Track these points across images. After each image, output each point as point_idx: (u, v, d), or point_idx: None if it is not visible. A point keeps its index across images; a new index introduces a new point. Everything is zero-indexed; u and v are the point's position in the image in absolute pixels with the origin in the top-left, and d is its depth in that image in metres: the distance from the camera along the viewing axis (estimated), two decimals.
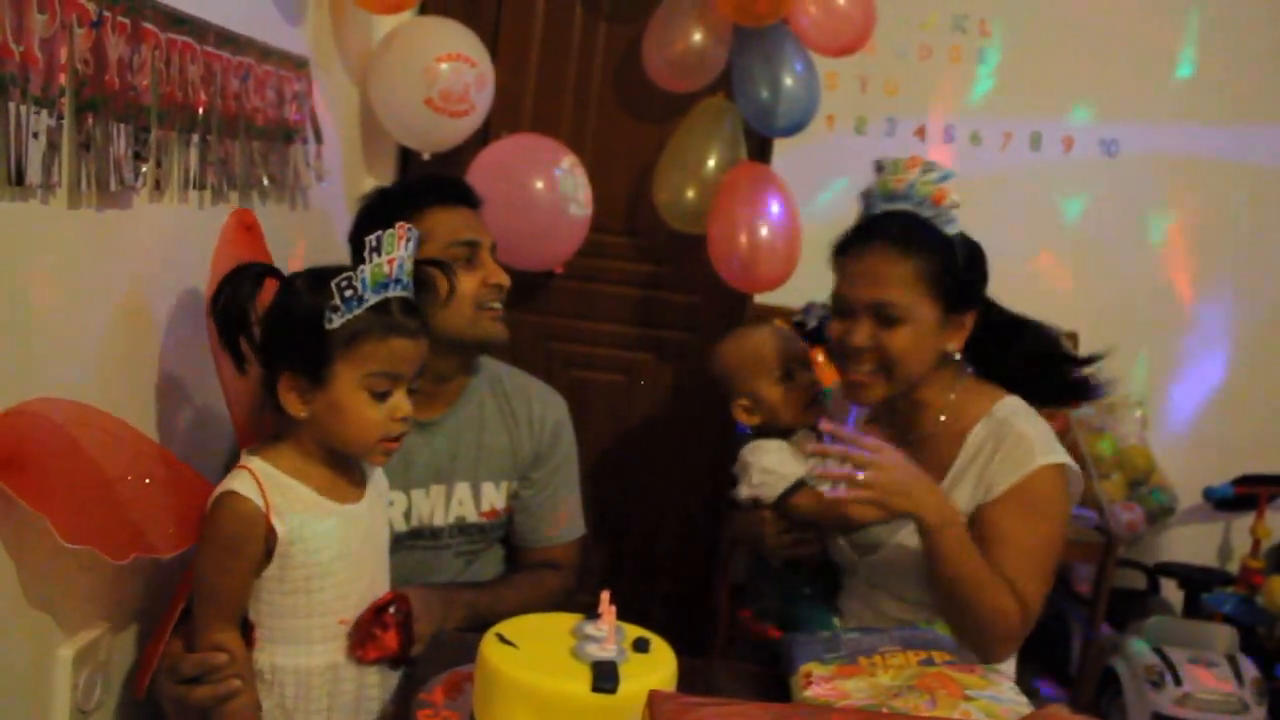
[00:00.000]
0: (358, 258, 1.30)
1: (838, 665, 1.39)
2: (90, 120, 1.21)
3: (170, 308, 1.52)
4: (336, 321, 1.28)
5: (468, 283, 1.71)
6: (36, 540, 1.22)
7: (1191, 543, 3.57)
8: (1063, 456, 1.62)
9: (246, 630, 1.34)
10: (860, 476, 1.50)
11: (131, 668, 1.50)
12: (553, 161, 2.38)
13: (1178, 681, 2.88)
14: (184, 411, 1.59)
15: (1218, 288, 3.65)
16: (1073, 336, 3.60)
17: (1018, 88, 3.56)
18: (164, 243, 1.47)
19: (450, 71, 2.28)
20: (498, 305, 1.77)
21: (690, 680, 1.29)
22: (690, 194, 2.46)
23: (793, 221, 2.49)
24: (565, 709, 1.18)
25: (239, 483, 1.31)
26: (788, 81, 2.40)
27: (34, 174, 1.11)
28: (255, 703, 1.33)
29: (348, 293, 1.27)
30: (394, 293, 1.31)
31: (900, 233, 1.66)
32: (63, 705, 1.30)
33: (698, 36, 2.35)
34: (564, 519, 1.92)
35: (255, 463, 1.33)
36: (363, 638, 1.37)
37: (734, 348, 1.92)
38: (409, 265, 1.33)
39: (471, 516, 1.85)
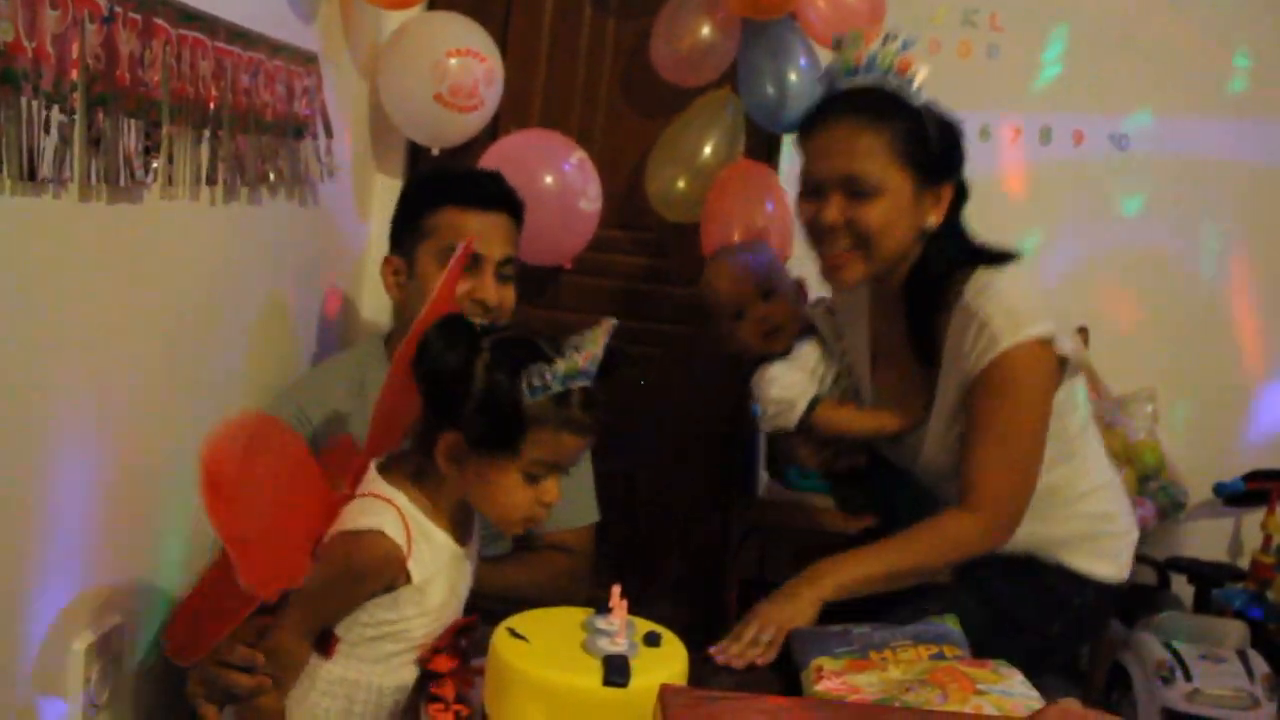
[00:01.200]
0: (399, 238, 1.44)
1: (849, 660, 1.38)
2: (101, 116, 1.21)
3: (181, 303, 1.52)
4: (527, 399, 1.25)
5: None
6: (49, 533, 1.23)
7: (1202, 538, 3.56)
8: (1037, 329, 1.54)
9: (327, 639, 1.32)
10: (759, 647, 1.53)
11: (145, 659, 1.50)
12: (561, 157, 2.38)
13: (1188, 677, 2.87)
14: (194, 400, 1.59)
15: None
16: (1083, 331, 3.59)
17: (1028, 83, 3.55)
18: (175, 238, 1.48)
19: (459, 67, 2.28)
20: (479, 322, 1.73)
21: (701, 674, 1.30)
22: (681, 184, 2.45)
23: (786, 219, 2.48)
24: (576, 703, 1.19)
25: (387, 521, 1.28)
26: (793, 77, 2.39)
27: (46, 169, 1.11)
28: (280, 709, 1.31)
29: (536, 382, 1.25)
30: (578, 383, 1.28)
31: (867, 104, 1.60)
32: (75, 699, 1.31)
33: (706, 31, 2.34)
34: (574, 504, 1.90)
35: (401, 500, 1.31)
36: (447, 657, 1.35)
37: (700, 285, 1.97)
38: (600, 356, 1.29)
39: None
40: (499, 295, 1.78)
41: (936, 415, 1.65)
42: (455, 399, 1.27)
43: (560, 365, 1.25)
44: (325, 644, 1.31)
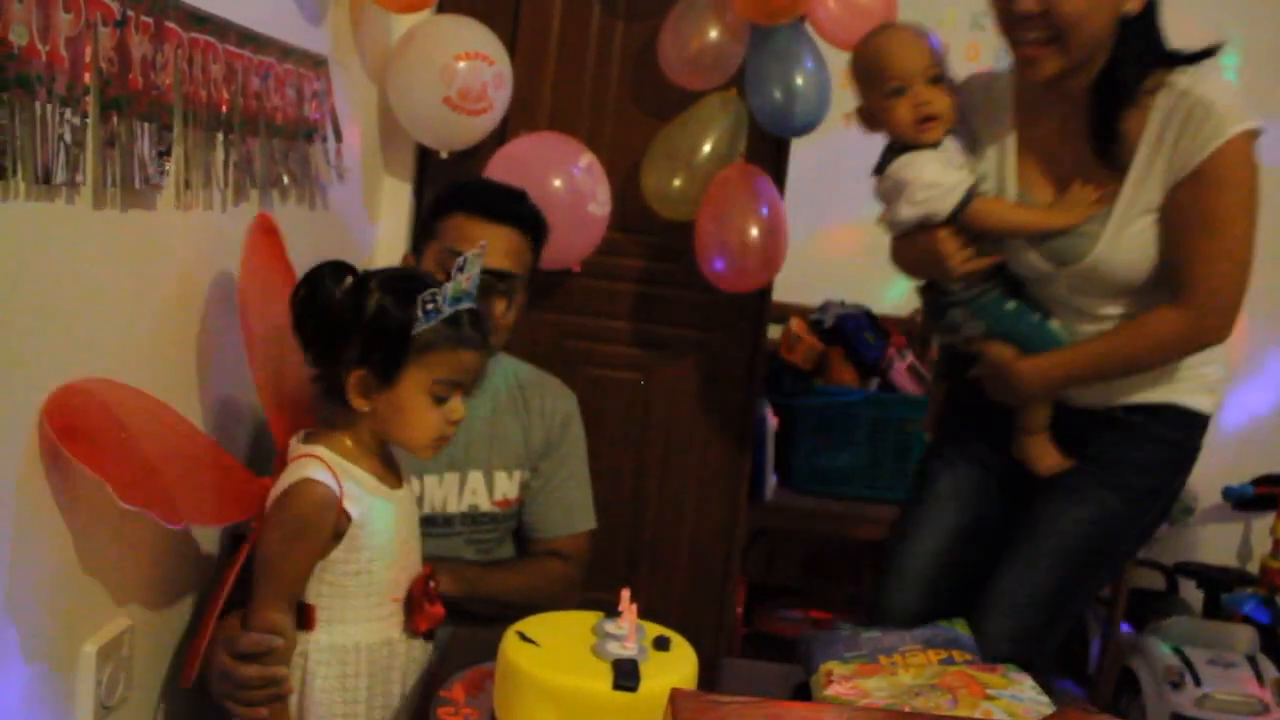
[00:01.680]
0: (415, 237, 1.55)
1: (858, 664, 1.39)
2: (115, 119, 1.22)
3: (194, 305, 1.53)
4: (417, 329, 1.36)
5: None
6: (60, 537, 1.23)
7: (1211, 543, 3.56)
8: (1252, 121, 1.52)
9: (304, 613, 1.39)
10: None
11: (173, 662, 1.53)
12: (570, 160, 2.38)
13: (1197, 682, 2.87)
14: (208, 404, 1.59)
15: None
16: None
17: None
18: (188, 241, 1.48)
19: (468, 70, 2.28)
20: None
21: (710, 678, 1.30)
22: (677, 182, 2.44)
23: (779, 225, 2.48)
24: (586, 707, 1.19)
25: (314, 469, 1.37)
26: (800, 81, 2.39)
27: (60, 173, 1.12)
28: (288, 690, 1.38)
29: (429, 306, 1.36)
30: (465, 305, 1.40)
31: None
32: (87, 700, 1.31)
33: (714, 34, 2.34)
34: (572, 509, 1.94)
35: (321, 450, 1.40)
36: (415, 611, 1.45)
37: (859, 51, 1.82)
38: (477, 279, 1.42)
39: (484, 505, 1.87)
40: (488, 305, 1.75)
41: (1120, 212, 1.61)
42: (353, 335, 1.38)
43: (449, 288, 1.36)
44: (304, 617, 1.39)
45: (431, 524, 1.82)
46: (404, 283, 1.39)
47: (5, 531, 1.14)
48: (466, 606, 1.68)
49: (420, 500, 1.81)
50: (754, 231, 2.42)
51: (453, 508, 1.85)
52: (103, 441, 1.21)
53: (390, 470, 1.48)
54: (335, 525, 1.38)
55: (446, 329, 1.38)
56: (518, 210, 1.84)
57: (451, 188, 1.93)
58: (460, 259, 1.38)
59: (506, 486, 1.89)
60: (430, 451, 1.45)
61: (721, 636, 2.77)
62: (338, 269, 1.41)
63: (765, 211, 2.44)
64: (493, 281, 1.74)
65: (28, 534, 1.18)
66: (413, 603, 1.45)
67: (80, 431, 1.18)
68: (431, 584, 1.47)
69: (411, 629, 1.46)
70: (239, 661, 1.35)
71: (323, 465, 1.38)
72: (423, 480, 1.82)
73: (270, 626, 1.35)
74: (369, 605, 1.42)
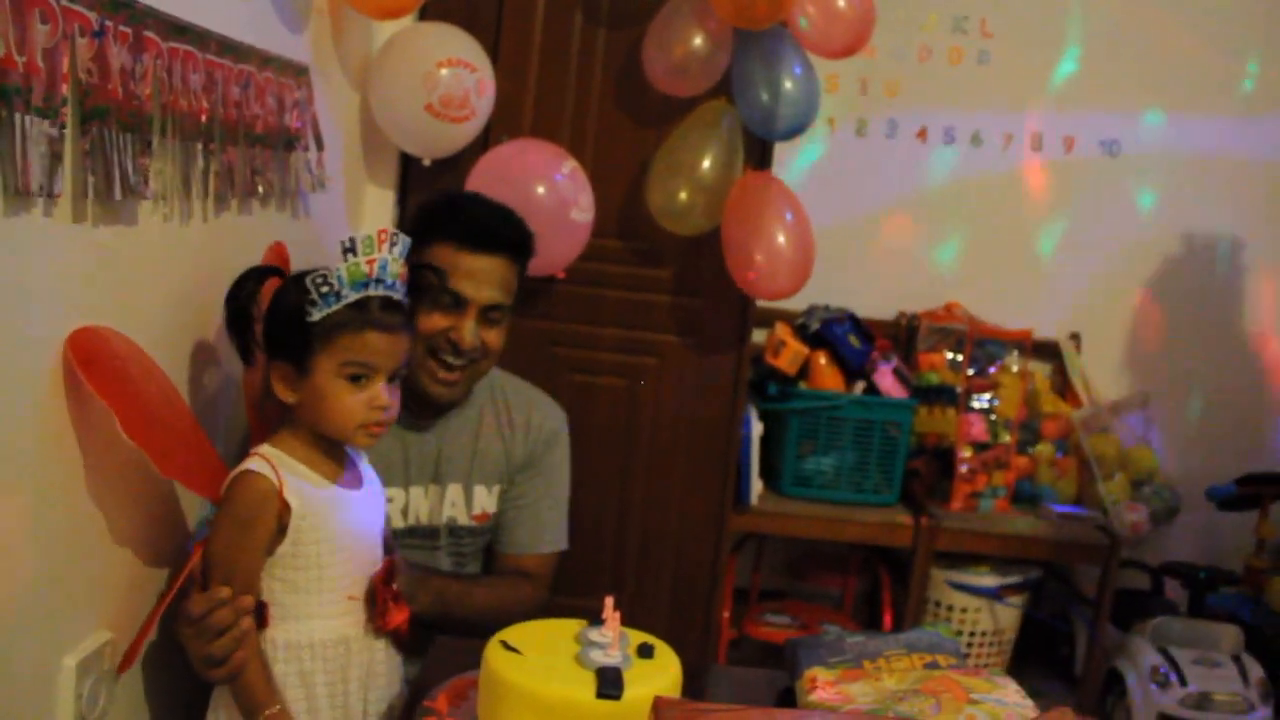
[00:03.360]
0: (421, 231, 1.51)
1: (842, 669, 1.39)
2: (95, 130, 1.21)
3: (175, 315, 1.52)
4: (316, 315, 1.38)
5: (430, 323, 1.73)
6: (39, 549, 1.23)
7: (1195, 542, 3.57)
8: None
9: (260, 611, 1.39)
10: None
11: (152, 674, 1.52)
12: (554, 167, 2.38)
13: (1183, 682, 2.88)
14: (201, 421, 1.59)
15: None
16: (1075, 337, 3.61)
17: (1016, 88, 3.57)
18: (167, 250, 1.47)
19: (450, 77, 2.28)
20: (450, 360, 1.76)
21: (696, 685, 1.30)
22: (683, 196, 2.45)
23: (806, 232, 2.50)
24: (570, 716, 1.19)
25: (253, 462, 1.40)
26: (787, 85, 2.39)
27: (36, 184, 1.11)
28: (263, 666, 1.38)
29: (324, 289, 1.37)
30: (375, 291, 1.40)
31: None
32: (67, 713, 1.30)
33: (698, 40, 2.35)
34: (543, 529, 1.92)
35: (264, 448, 1.43)
36: (381, 608, 1.45)
37: None
38: (395, 267, 1.41)
39: (463, 519, 1.87)
40: (477, 338, 1.76)
41: None
42: (268, 328, 1.44)
43: (343, 270, 1.37)
44: (260, 615, 1.39)
45: (415, 535, 1.84)
46: (306, 273, 1.40)
47: None
48: (433, 622, 1.67)
49: (405, 511, 1.81)
50: (782, 239, 2.44)
51: (434, 520, 1.86)
52: (113, 376, 1.26)
53: (342, 467, 1.48)
54: (279, 517, 1.38)
55: (351, 312, 1.38)
56: (505, 238, 1.81)
57: (434, 210, 1.86)
58: (347, 240, 1.37)
59: (485, 501, 1.88)
60: (364, 440, 1.44)
61: (708, 641, 2.77)
62: (265, 272, 1.46)
63: (791, 218, 2.45)
64: (488, 313, 1.77)
65: (6, 545, 1.17)
66: (376, 599, 1.45)
67: (95, 363, 1.23)
68: (394, 585, 1.47)
69: (377, 626, 1.46)
70: (196, 631, 1.34)
71: (262, 459, 1.40)
72: (408, 491, 1.82)
73: (215, 595, 1.35)
74: (323, 602, 1.42)
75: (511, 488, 1.90)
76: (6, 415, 1.14)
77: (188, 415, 1.47)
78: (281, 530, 1.39)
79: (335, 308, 1.38)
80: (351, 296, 1.38)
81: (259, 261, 1.56)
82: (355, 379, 1.41)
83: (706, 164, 2.44)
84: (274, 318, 1.44)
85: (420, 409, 1.81)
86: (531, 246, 1.87)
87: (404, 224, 2.57)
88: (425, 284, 1.52)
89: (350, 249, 1.37)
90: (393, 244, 1.40)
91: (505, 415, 1.91)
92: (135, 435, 1.28)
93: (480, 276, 1.76)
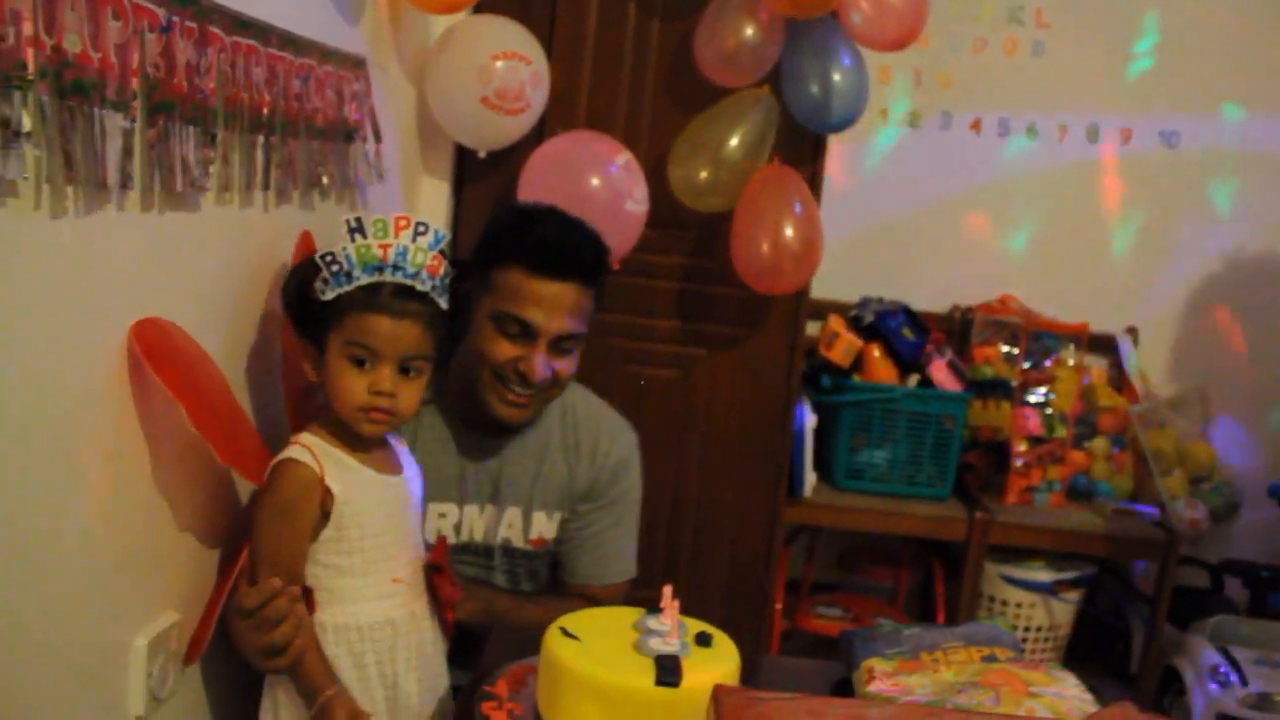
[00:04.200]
0: (472, 274, 1.49)
1: (900, 661, 1.38)
2: (161, 122, 1.24)
3: (236, 306, 1.55)
4: (328, 294, 1.38)
5: (499, 351, 1.66)
6: (110, 532, 1.25)
7: (1257, 540, 3.51)
8: None
9: (306, 597, 1.41)
10: None
11: (219, 657, 1.55)
12: (608, 158, 2.39)
13: (1244, 682, 2.83)
14: (252, 409, 1.61)
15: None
16: (1132, 331, 3.56)
17: (1072, 79, 3.52)
18: (230, 242, 1.50)
19: (506, 69, 2.29)
20: (519, 390, 1.68)
21: (749, 675, 1.30)
22: (704, 174, 2.45)
23: (814, 227, 2.49)
24: (629, 703, 1.19)
25: (294, 451, 1.41)
26: (836, 77, 2.39)
27: (112, 177, 1.13)
28: (320, 654, 1.41)
29: (334, 268, 1.38)
30: (390, 277, 1.39)
31: None
32: (139, 691, 1.33)
33: (749, 31, 2.34)
34: (609, 560, 1.85)
35: (304, 436, 1.44)
36: (444, 581, 1.50)
37: None
38: (419, 257, 1.40)
39: (518, 541, 1.82)
40: (547, 369, 1.67)
41: None
42: (293, 308, 1.47)
43: (352, 250, 1.37)
44: (306, 601, 1.41)
45: (469, 551, 1.81)
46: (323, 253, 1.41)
47: (60, 527, 1.16)
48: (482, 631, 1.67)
49: (458, 528, 1.80)
50: (790, 234, 2.42)
51: (488, 539, 1.81)
52: (176, 369, 1.28)
53: (381, 452, 1.50)
54: (322, 504, 1.40)
55: (361, 294, 1.38)
56: (577, 261, 1.69)
57: (502, 228, 1.74)
58: (352, 219, 1.37)
59: (544, 526, 1.82)
60: (367, 425, 1.43)
61: (761, 633, 2.78)
62: (305, 264, 1.47)
63: (800, 211, 2.44)
64: (560, 342, 1.68)
65: (78, 531, 1.20)
66: (441, 585, 1.50)
67: (158, 355, 1.25)
68: (439, 570, 1.52)
69: (443, 597, 1.51)
70: (252, 624, 1.36)
71: (302, 448, 1.41)
72: (462, 509, 1.79)
73: (268, 587, 1.37)
74: (368, 585, 1.45)
75: (574, 517, 1.83)
76: (82, 401, 1.17)
77: (236, 403, 1.49)
78: (325, 516, 1.41)
79: (347, 288, 1.38)
80: (364, 279, 1.38)
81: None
82: (359, 362, 1.40)
83: (732, 144, 2.43)
84: (295, 296, 1.45)
85: (486, 428, 1.75)
86: (607, 266, 1.76)
87: (460, 219, 2.60)
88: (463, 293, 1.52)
89: (358, 229, 1.38)
90: (419, 233, 1.40)
91: (573, 439, 1.82)
92: (201, 427, 1.30)
93: (551, 304, 1.66)
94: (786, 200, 2.46)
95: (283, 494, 1.40)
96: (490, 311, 1.67)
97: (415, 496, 1.57)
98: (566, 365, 1.71)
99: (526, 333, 1.66)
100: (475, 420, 1.74)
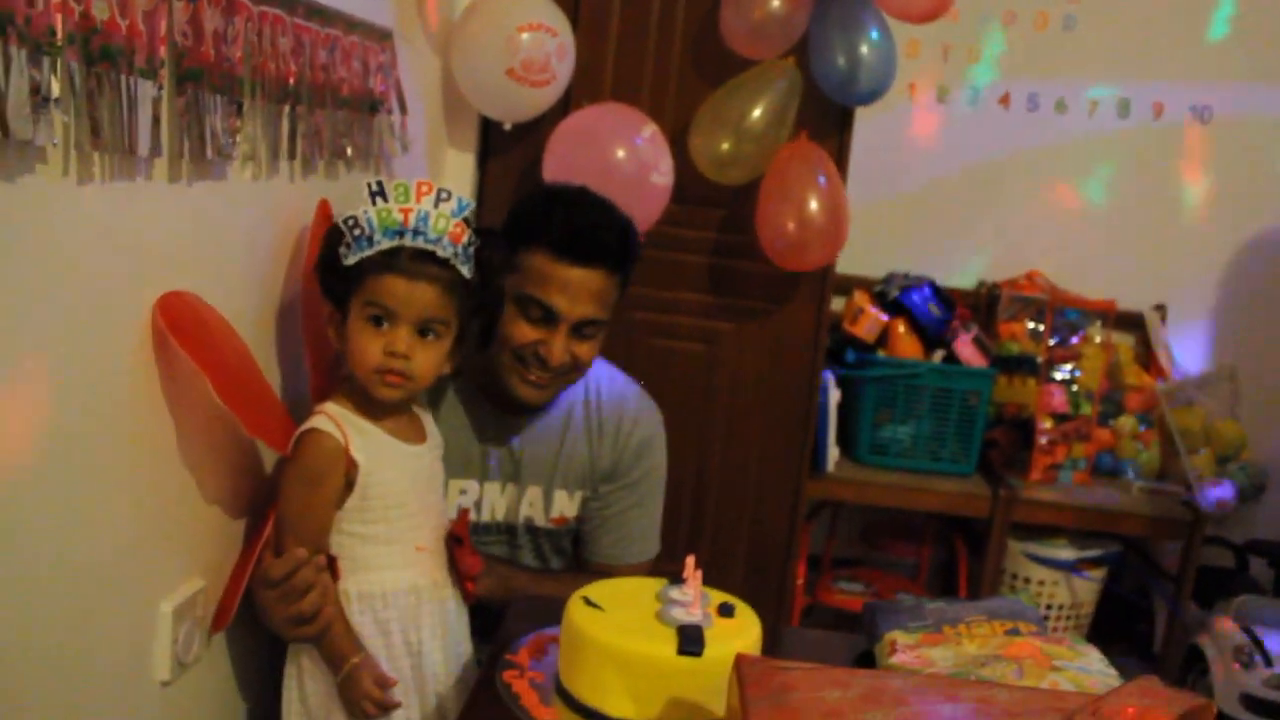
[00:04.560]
0: (506, 241, 1.51)
1: (922, 634, 1.38)
2: (190, 91, 1.24)
3: (261, 276, 1.55)
4: (350, 258, 1.39)
5: (519, 334, 1.66)
6: (137, 502, 1.27)
7: None
8: None
9: (330, 565, 1.43)
10: None
11: (243, 624, 1.55)
12: (633, 130, 2.38)
13: (1268, 662, 2.82)
14: (279, 379, 1.62)
15: None
16: (1160, 308, 3.53)
17: (1106, 52, 3.48)
18: (258, 210, 1.50)
19: (531, 41, 2.28)
20: (539, 372, 1.68)
21: (771, 648, 1.30)
22: (726, 145, 2.43)
23: (839, 204, 2.48)
24: (651, 672, 1.20)
25: (319, 421, 1.43)
26: (863, 49, 2.37)
27: (142, 145, 1.14)
28: (345, 622, 1.44)
29: (355, 231, 1.39)
30: (410, 241, 1.39)
31: None
32: (164, 656, 1.35)
33: (776, 2, 2.32)
34: (631, 540, 1.85)
35: (329, 406, 1.46)
36: (464, 552, 1.52)
37: None
38: (441, 223, 1.40)
39: (540, 520, 1.83)
40: (567, 354, 1.68)
41: None
42: (319, 274, 1.47)
43: (373, 214, 1.38)
44: (330, 569, 1.43)
45: (494, 531, 1.82)
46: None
47: (86, 494, 1.17)
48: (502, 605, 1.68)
49: (479, 505, 1.80)
50: (815, 210, 2.41)
51: (510, 518, 1.82)
52: (201, 341, 1.29)
53: (404, 421, 1.52)
54: (346, 473, 1.42)
55: (380, 257, 1.39)
56: (604, 247, 1.68)
57: (530, 210, 1.73)
58: (374, 183, 1.39)
59: (565, 505, 1.83)
60: (382, 388, 1.43)
61: (782, 607, 2.78)
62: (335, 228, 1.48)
63: (824, 183, 2.43)
64: (581, 328, 1.68)
65: (105, 498, 1.21)
66: (462, 556, 1.51)
67: (184, 328, 1.26)
68: (459, 540, 1.53)
69: (463, 569, 1.52)
70: (278, 594, 1.39)
71: (327, 418, 1.43)
72: (482, 486, 1.79)
73: (294, 557, 1.39)
74: (392, 553, 1.47)
75: (597, 497, 1.84)
76: (108, 371, 1.18)
77: (260, 375, 1.50)
78: (349, 485, 1.43)
79: (368, 252, 1.39)
80: (385, 243, 1.39)
81: None
82: (376, 321, 1.41)
83: (755, 116, 2.41)
84: (320, 262, 1.46)
85: (507, 406, 1.76)
86: (635, 254, 1.75)
87: (485, 192, 2.59)
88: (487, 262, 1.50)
89: (379, 193, 1.39)
90: (441, 199, 1.41)
91: (596, 418, 1.82)
92: (226, 399, 1.31)
93: (575, 290, 1.65)
94: (812, 176, 2.44)
95: (308, 464, 1.42)
96: (514, 293, 1.65)
97: (438, 466, 1.58)
98: (587, 350, 1.71)
99: (548, 317, 1.66)
100: (496, 399, 1.75)
